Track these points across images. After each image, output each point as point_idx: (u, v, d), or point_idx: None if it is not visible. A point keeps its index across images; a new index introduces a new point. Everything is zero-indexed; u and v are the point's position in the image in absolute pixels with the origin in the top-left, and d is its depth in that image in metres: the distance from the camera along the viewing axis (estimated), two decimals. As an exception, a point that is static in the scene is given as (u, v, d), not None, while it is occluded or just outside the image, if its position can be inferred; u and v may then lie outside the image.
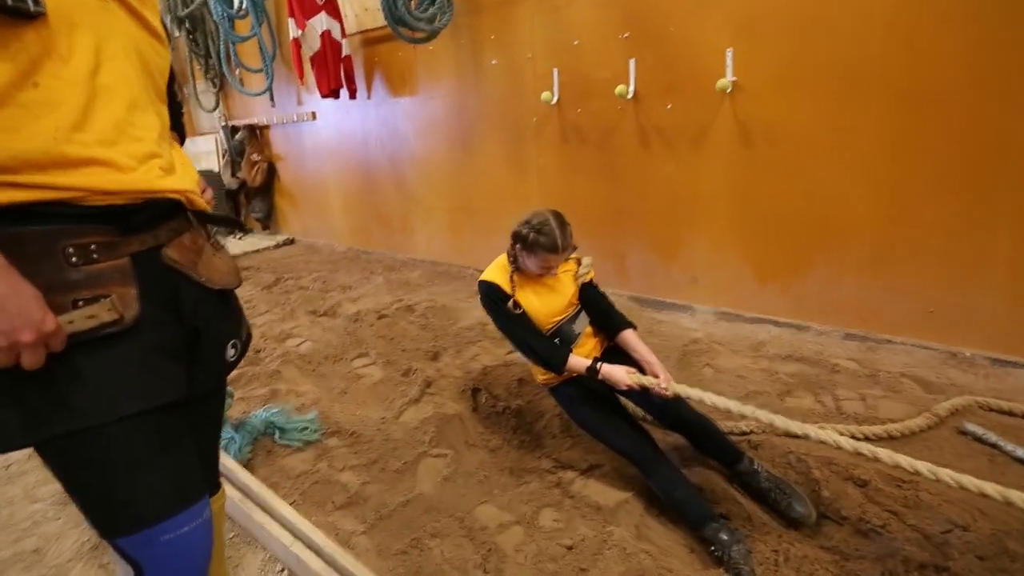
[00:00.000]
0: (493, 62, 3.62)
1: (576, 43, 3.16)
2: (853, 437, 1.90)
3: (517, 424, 2.24)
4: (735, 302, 3.00)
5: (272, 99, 5.16)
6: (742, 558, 1.48)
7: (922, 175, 2.34)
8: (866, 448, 1.42)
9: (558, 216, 1.76)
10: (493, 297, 1.84)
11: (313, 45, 4.04)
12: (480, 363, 2.73)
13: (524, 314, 1.82)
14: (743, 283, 2.94)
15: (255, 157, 5.88)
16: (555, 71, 3.26)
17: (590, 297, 1.93)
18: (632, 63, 2.92)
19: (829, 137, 2.50)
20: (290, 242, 5.92)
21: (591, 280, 1.95)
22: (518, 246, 1.79)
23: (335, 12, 4.08)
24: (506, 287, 1.82)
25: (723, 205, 2.89)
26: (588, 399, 1.85)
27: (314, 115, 5.09)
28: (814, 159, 2.56)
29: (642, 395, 1.76)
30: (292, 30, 4.09)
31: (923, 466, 1.35)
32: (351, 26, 4.27)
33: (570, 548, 1.58)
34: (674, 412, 1.82)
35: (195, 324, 0.88)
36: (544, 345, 1.81)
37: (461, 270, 4.30)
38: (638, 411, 2.03)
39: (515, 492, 1.85)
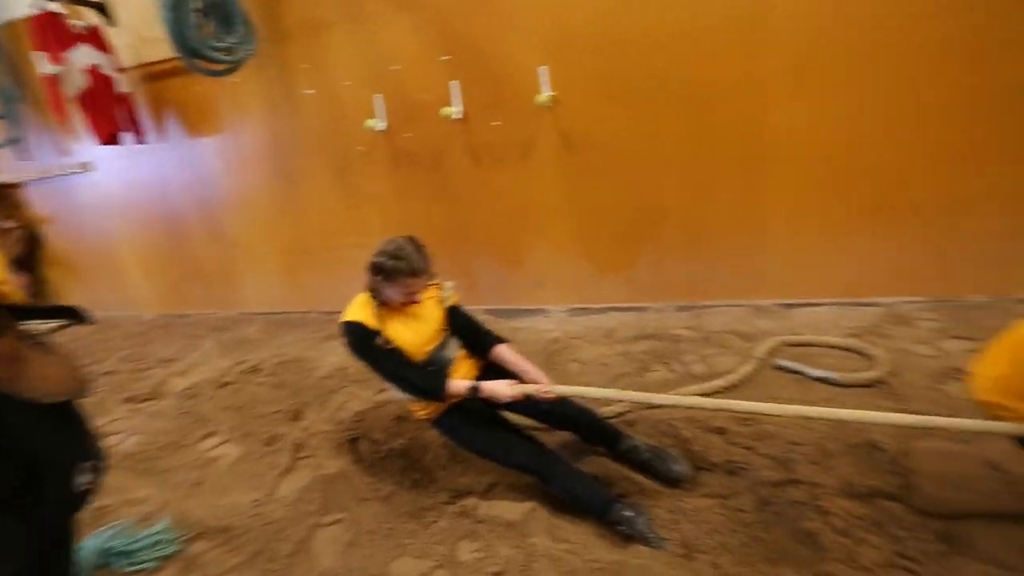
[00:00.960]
0: (309, 92, 3.44)
1: (397, 68, 3.16)
2: (704, 395, 2.22)
3: (405, 464, 2.14)
4: (582, 297, 3.26)
5: (21, 151, 4.23)
6: (647, 527, 1.62)
7: (714, 165, 2.80)
8: (718, 403, 1.66)
9: (412, 240, 1.74)
10: (360, 336, 1.75)
11: (77, 83, 3.41)
12: (350, 410, 2.56)
13: (395, 348, 1.76)
14: (586, 278, 3.21)
15: (5, 224, 4.75)
16: (379, 97, 3.22)
17: (458, 320, 1.94)
18: (455, 85, 3.01)
19: (640, 139, 2.87)
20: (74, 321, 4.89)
21: (456, 303, 1.96)
22: (377, 277, 1.72)
23: (100, 43, 3.50)
24: (372, 323, 1.74)
25: (558, 210, 3.13)
26: (472, 422, 1.85)
27: (87, 166, 4.29)
28: (630, 159, 2.91)
29: (526, 403, 1.81)
30: (43, 66, 3.40)
31: (757, 406, 1.63)
32: (128, 59, 3.70)
33: (499, 574, 1.57)
34: (559, 411, 1.92)
35: (29, 453, 0.69)
36: (421, 376, 1.77)
37: (304, 316, 3.99)
38: (524, 421, 2.09)
39: (425, 535, 1.78)
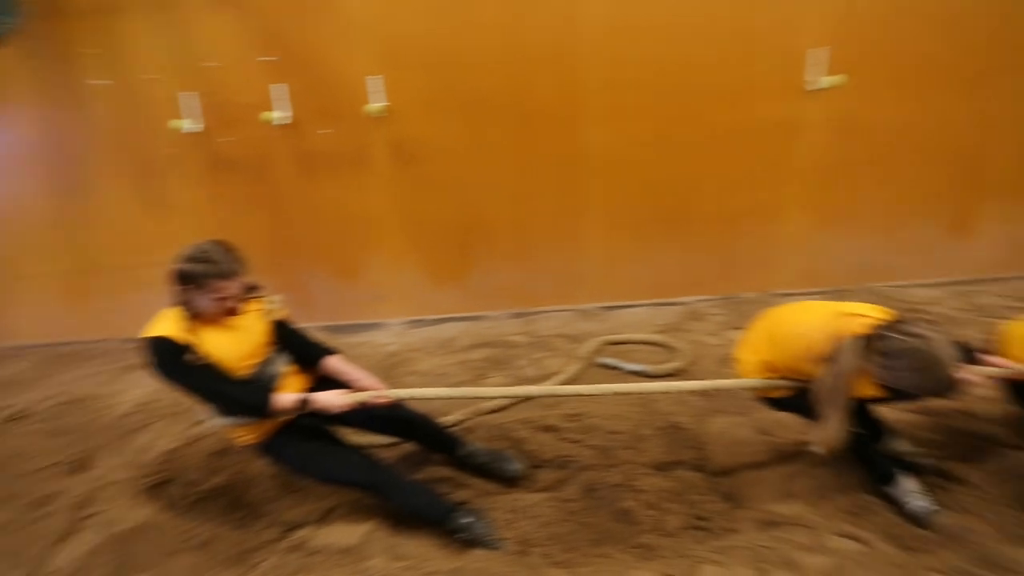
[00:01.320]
0: (100, 82, 2.94)
1: (214, 65, 2.86)
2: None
3: (226, 503, 1.93)
4: (420, 309, 3.26)
5: None
6: (485, 531, 1.66)
7: (537, 178, 3.01)
8: (545, 389, 1.78)
9: (219, 243, 1.59)
10: (167, 353, 1.53)
11: None
12: (157, 450, 2.24)
13: (210, 363, 1.57)
14: (424, 290, 3.23)
15: None
16: (191, 96, 2.88)
17: (285, 334, 1.81)
18: (282, 88, 2.82)
19: (471, 152, 2.97)
20: None
21: (283, 317, 1.83)
22: (184, 286, 1.54)
23: None
24: (181, 337, 1.54)
25: (394, 222, 3.10)
26: (304, 441, 1.73)
27: None
28: (462, 171, 3.01)
29: (362, 413, 1.75)
30: None
31: (568, 389, 1.79)
32: None
33: (331, 605, 1.48)
34: (398, 419, 1.89)
35: None
36: (242, 389, 1.61)
37: (95, 346, 3.39)
38: (364, 438, 2.02)
39: (251, 580, 1.61)
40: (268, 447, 1.73)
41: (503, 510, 1.78)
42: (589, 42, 2.79)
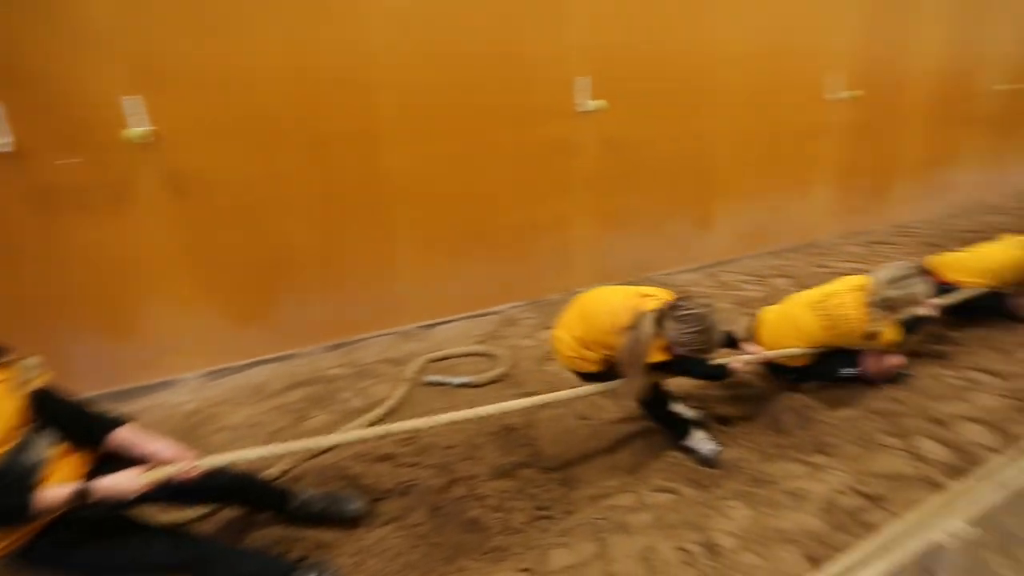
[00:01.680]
0: None
1: None
2: (371, 425, 2.26)
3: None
4: (221, 356, 2.87)
5: None
6: (331, 581, 1.53)
7: (341, 204, 2.89)
8: (379, 431, 1.73)
9: None
10: None
11: None
12: None
13: None
14: (223, 335, 2.85)
15: None
16: None
17: (50, 406, 1.43)
18: (-5, 109, 2.23)
19: (264, 181, 2.70)
20: None
21: (45, 385, 1.44)
22: None
23: None
24: None
25: (177, 263, 2.68)
26: (90, 536, 1.38)
27: None
28: (256, 202, 2.72)
29: (168, 490, 1.47)
30: None
31: (416, 423, 1.77)
32: None
33: None
34: (215, 487, 1.64)
35: None
36: None
37: None
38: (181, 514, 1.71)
39: None
40: (30, 554, 1.34)
41: (348, 554, 1.68)
42: (381, 68, 2.80)
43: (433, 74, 2.92)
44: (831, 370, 2.37)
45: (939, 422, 2.10)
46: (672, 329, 1.78)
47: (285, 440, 2.21)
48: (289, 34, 2.61)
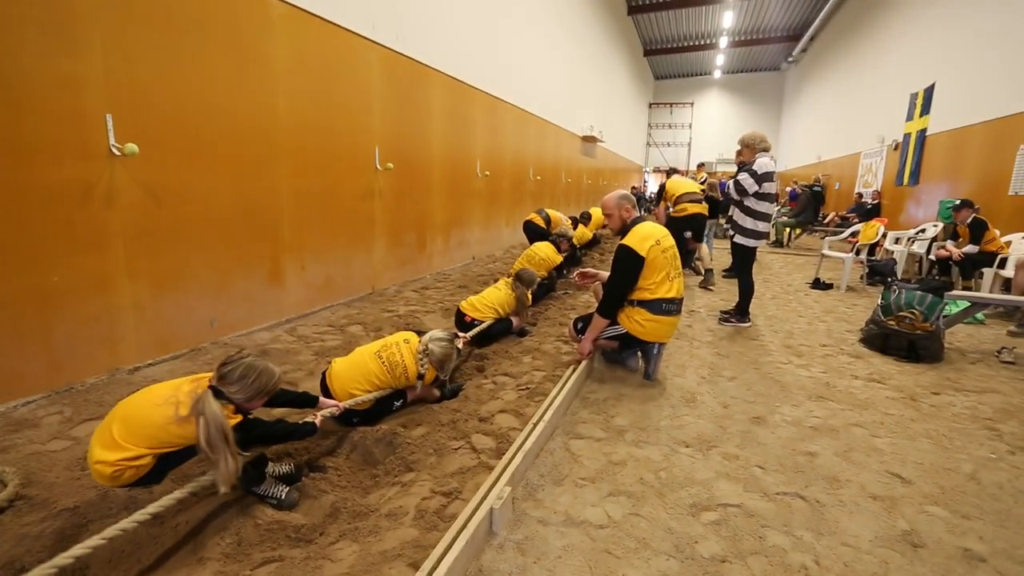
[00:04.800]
0: None
1: None
2: None
3: None
4: None
5: None
6: None
7: None
8: None
9: None
10: None
11: None
12: None
13: None
14: None
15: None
16: None
17: None
18: None
19: None
20: None
21: None
22: None
23: None
24: None
25: None
26: None
27: None
28: None
29: None
30: None
31: None
32: None
33: None
34: None
35: None
36: None
37: None
38: None
39: None
40: None
41: None
42: None
43: None
44: (388, 406, 2.75)
45: (484, 419, 2.71)
46: (234, 391, 1.81)
47: None
48: None
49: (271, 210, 4.06)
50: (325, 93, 4.49)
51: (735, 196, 4.42)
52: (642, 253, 2.99)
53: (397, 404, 2.79)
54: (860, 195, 12.70)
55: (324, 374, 2.66)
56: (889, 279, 5.97)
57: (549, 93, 10.79)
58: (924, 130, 10.20)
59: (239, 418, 1.84)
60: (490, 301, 4.06)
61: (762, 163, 4.30)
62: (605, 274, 3.43)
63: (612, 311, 3.15)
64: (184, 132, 3.25)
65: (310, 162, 4.39)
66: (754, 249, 4.50)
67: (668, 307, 3.07)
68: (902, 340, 3.91)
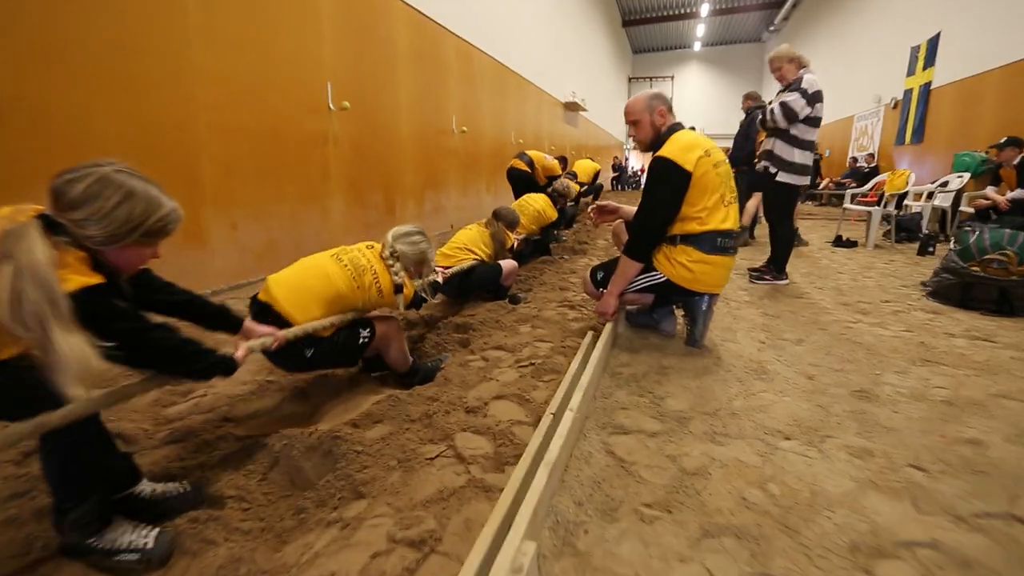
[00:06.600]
0: None
1: None
2: None
3: None
4: None
5: None
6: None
7: None
8: None
9: None
10: None
11: None
12: None
13: None
14: None
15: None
16: None
17: None
18: None
19: None
20: None
21: None
22: None
23: None
24: None
25: None
26: None
27: None
28: None
29: None
30: None
31: None
32: None
33: None
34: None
35: None
36: None
37: None
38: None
39: None
40: None
41: None
42: None
43: None
44: (353, 338, 1.88)
45: (474, 410, 1.83)
46: (79, 218, 1.05)
47: None
48: None
49: (183, 149, 3.08)
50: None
51: (782, 124, 3.55)
52: (687, 168, 2.11)
53: (365, 336, 1.90)
54: (855, 159, 12.10)
55: (253, 298, 1.82)
56: (927, 233, 5.24)
57: (530, 53, 9.82)
58: (928, 84, 9.53)
59: (97, 278, 1.04)
60: (461, 242, 3.20)
61: (811, 79, 3.46)
62: (631, 208, 2.56)
63: (646, 251, 2.28)
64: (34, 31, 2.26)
65: (240, 91, 3.40)
66: (798, 189, 3.66)
67: (724, 242, 2.21)
68: (990, 290, 3.13)
